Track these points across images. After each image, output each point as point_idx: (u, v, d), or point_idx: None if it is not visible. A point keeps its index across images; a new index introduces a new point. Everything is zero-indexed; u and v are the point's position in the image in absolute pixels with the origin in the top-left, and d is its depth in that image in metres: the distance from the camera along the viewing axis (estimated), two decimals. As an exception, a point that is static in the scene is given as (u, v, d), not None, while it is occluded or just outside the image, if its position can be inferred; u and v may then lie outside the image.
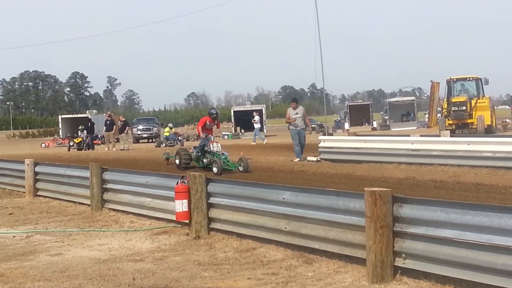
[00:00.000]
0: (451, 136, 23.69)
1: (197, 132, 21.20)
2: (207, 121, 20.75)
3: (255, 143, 38.44)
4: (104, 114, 47.90)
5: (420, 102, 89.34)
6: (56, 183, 15.68)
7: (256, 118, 45.21)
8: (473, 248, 6.37)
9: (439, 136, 23.72)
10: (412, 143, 19.84)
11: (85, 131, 42.85)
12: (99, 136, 49.52)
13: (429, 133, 33.18)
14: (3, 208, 14.67)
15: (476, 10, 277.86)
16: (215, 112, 21.12)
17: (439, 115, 48.29)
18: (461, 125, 36.89)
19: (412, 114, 67.33)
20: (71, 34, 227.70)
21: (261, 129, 59.91)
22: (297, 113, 22.33)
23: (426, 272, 6.83)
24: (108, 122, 39.59)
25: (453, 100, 37.13)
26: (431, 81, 62.66)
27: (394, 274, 7.08)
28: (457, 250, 6.52)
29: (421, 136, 23.21)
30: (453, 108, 36.79)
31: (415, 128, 57.99)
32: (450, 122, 36.82)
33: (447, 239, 6.62)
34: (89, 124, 42.84)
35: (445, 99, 38.97)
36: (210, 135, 20.43)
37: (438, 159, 18.38)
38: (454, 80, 38.47)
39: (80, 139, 42.55)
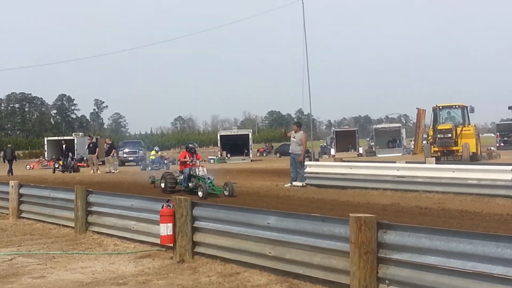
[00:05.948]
0: (436, 163, 23.77)
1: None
2: (186, 156, 20.78)
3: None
4: (87, 137, 47.83)
5: (406, 129, 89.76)
6: (40, 205, 15.57)
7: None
8: (457, 276, 6.36)
9: (424, 163, 23.81)
10: (398, 170, 19.89)
11: (69, 153, 42.81)
12: (84, 158, 49.47)
13: (415, 160, 33.30)
14: (-15, 230, 14.53)
15: (462, 39, 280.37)
16: (192, 146, 21.37)
17: (424, 142, 48.53)
18: (447, 152, 37.05)
19: (398, 141, 67.69)
20: (59, 56, 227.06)
21: (247, 154, 60.43)
22: (294, 137, 22.35)
23: (410, 299, 6.81)
24: (91, 145, 39.51)
25: (439, 127, 37.40)
26: (417, 108, 63.22)
27: (378, 300, 7.05)
28: (441, 277, 6.50)
29: (406, 162, 23.28)
30: (438, 136, 37.03)
31: (400, 154, 58.23)
32: (436, 149, 36.98)
33: (431, 266, 6.61)
34: (64, 146, 43.06)
35: (431, 126, 39.22)
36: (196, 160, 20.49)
37: (423, 186, 18.43)
38: (440, 107, 38.78)
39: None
